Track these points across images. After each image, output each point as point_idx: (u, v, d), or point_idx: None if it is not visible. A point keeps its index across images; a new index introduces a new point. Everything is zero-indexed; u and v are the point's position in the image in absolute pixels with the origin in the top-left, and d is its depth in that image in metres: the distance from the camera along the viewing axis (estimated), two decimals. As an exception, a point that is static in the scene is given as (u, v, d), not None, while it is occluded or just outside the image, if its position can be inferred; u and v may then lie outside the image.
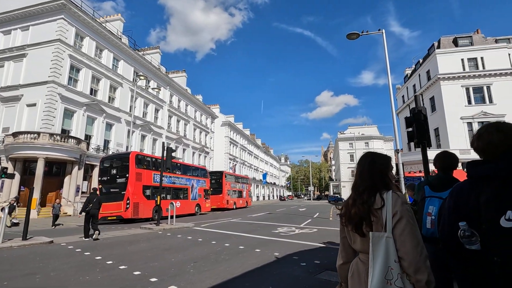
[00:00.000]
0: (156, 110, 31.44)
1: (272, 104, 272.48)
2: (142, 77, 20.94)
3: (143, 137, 28.91)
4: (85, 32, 22.72)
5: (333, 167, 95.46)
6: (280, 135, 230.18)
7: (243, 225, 13.37)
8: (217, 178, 27.97)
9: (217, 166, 43.12)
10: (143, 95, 28.92)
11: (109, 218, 14.83)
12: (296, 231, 11.11)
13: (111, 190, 15.45)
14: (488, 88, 26.35)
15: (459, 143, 25.60)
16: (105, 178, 15.85)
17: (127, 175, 15.08)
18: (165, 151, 12.41)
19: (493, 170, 1.29)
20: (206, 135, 43.68)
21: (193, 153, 38.69)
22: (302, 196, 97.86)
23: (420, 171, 19.89)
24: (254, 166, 67.22)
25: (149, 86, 28.29)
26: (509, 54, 26.76)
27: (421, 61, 33.19)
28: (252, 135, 73.62)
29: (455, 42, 29.04)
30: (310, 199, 66.15)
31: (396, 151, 12.72)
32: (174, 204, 12.34)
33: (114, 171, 15.85)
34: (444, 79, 27.13)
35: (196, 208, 21.30)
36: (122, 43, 26.39)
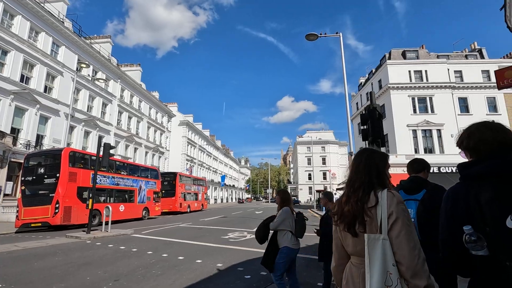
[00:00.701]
0: (104, 105, 28.68)
1: (234, 106, 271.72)
2: (84, 65, 18.68)
3: (87, 133, 26.06)
4: (16, 10, 19.70)
5: (292, 170, 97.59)
6: (241, 137, 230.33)
7: (191, 231, 12.30)
8: (170, 180, 26.28)
9: (173, 167, 40.94)
10: (89, 87, 26.13)
11: (32, 224, 12.67)
12: (247, 236, 10.40)
13: (39, 192, 13.27)
14: (431, 99, 28.61)
15: (405, 148, 27.34)
16: (30, 178, 13.55)
17: (57, 175, 13.04)
18: (101, 148, 10.82)
19: (489, 168, 1.24)
20: (161, 134, 41.28)
21: (146, 153, 36.19)
22: (261, 198, 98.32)
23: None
24: (213, 168, 65.64)
25: (96, 78, 25.63)
26: (448, 69, 29.40)
27: (374, 70, 35.09)
28: (212, 136, 71.97)
29: (404, 55, 31.17)
30: (268, 202, 66.42)
31: (350, 154, 12.73)
32: (110, 209, 10.81)
33: (42, 170, 13.65)
34: (394, 88, 28.85)
35: (144, 212, 19.55)
36: (65, 27, 23.52)
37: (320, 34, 14.43)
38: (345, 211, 1.41)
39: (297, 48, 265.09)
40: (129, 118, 33.02)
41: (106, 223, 11.01)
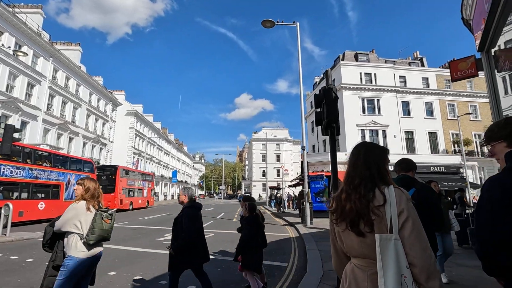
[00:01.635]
0: (30, 85, 24.58)
1: (191, 101, 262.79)
2: None
3: (5, 117, 22.00)
4: None
5: (247, 167, 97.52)
6: (197, 133, 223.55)
7: (123, 232, 10.65)
8: (109, 174, 23.59)
9: (117, 161, 37.28)
10: (9, 62, 22.06)
11: None
12: (187, 237, 9.20)
13: None
14: (378, 101, 30.16)
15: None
16: None
17: None
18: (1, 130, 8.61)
19: None
20: (104, 124, 37.31)
21: (85, 143, 32.28)
22: (215, 195, 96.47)
23: (322, 171, 20.80)
24: (164, 162, 62.12)
25: (17, 50, 21.69)
26: (394, 74, 31.31)
27: (329, 70, 35.94)
28: (164, 129, 68.09)
29: (356, 57, 32.41)
30: (221, 198, 65.15)
31: (302, 148, 12.22)
32: (11, 207, 8.66)
33: None
34: (346, 89, 29.78)
35: (73, 210, 16.96)
36: (-24, -12, 19.38)
37: (277, 22, 13.73)
38: (346, 209, 1.31)
39: (257, 47, 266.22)
40: (64, 103, 28.99)
41: (4, 226, 8.79)
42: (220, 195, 75.88)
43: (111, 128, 39.38)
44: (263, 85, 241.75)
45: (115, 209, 22.49)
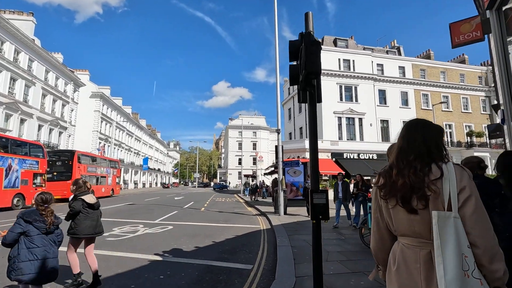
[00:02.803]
0: (-31, 57, 21.26)
1: (166, 88, 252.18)
2: None
3: None
4: None
5: (223, 155, 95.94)
6: (173, 120, 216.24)
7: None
8: (65, 160, 21.23)
9: (80, 146, 34.24)
10: None
11: None
12: (140, 231, 7.82)
13: None
14: (356, 88, 29.71)
15: (331, 135, 27.90)
16: None
17: None
18: None
19: None
20: (64, 105, 33.99)
21: (40, 126, 29.15)
22: (189, 183, 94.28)
23: (298, 157, 19.97)
24: (135, 149, 58.98)
25: None
26: (372, 62, 30.91)
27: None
28: (135, 114, 64.45)
29: (335, 43, 31.58)
30: (195, 187, 63.46)
31: (277, 131, 11.07)
32: None
33: None
34: (324, 75, 28.91)
35: (16, 200, 14.84)
36: None
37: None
38: (398, 184, 1.23)
39: (235, 33, 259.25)
40: (13, 80, 25.68)
41: None
42: (193, 183, 74.05)
43: (72, 110, 36.07)
44: (241, 73, 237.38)
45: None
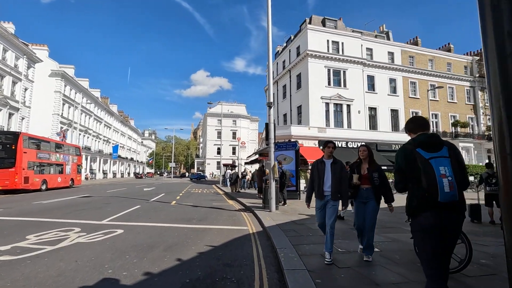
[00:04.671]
0: None
1: (143, 75, 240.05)
2: None
3: None
4: None
5: (201, 145, 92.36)
6: (149, 109, 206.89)
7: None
8: (7, 143, 17.58)
9: (37, 130, 29.80)
10: None
11: None
12: (68, 240, 5.17)
13: None
14: (344, 72, 27.82)
15: (318, 121, 25.95)
16: None
17: None
18: None
19: None
20: (15, 83, 29.37)
21: (-17, 105, 24.72)
22: (165, 173, 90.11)
23: (289, 140, 17.85)
24: (104, 136, 54.30)
25: None
26: (361, 45, 29.11)
27: (292, 37, 32.57)
28: (105, 99, 59.26)
29: (323, 23, 29.37)
30: (170, 177, 59.92)
31: (268, 105, 8.67)
32: None
33: None
34: (312, 56, 26.76)
35: None
36: None
37: None
38: None
39: (214, 21, 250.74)
40: None
41: None
42: (168, 173, 70.36)
43: (26, 89, 31.44)
44: (221, 62, 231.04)
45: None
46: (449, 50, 35.30)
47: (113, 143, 57.63)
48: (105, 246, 4.74)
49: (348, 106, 27.38)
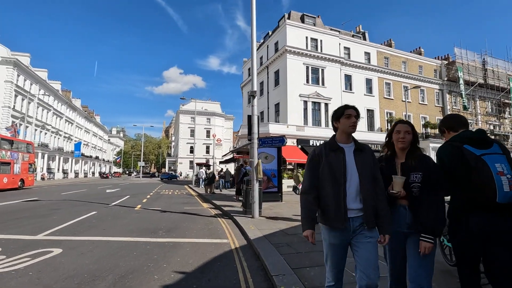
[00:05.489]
0: None
1: (111, 70, 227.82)
2: None
3: None
4: None
5: (173, 143, 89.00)
6: (118, 105, 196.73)
7: None
8: None
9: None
10: None
11: None
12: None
13: None
14: (323, 71, 27.38)
15: (296, 119, 25.24)
16: None
17: None
18: None
19: None
20: (-46, 68, 25.52)
21: None
22: (134, 173, 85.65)
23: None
24: (65, 132, 49.92)
25: None
26: (339, 44, 28.89)
27: (270, 33, 31.65)
28: (66, 92, 54.53)
29: (302, 19, 28.75)
30: (139, 177, 56.62)
31: (251, 95, 7.49)
32: None
33: None
34: (290, 52, 25.98)
35: None
36: None
37: None
38: None
39: (188, 17, 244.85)
40: None
41: None
42: (137, 173, 66.70)
43: (-32, 77, 27.52)
44: (195, 60, 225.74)
45: None
46: (420, 54, 36.40)
47: (75, 140, 53.22)
48: (24, 281, 3.27)
49: (326, 105, 26.97)
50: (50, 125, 44.04)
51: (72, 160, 52.10)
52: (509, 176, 1.81)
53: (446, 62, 35.53)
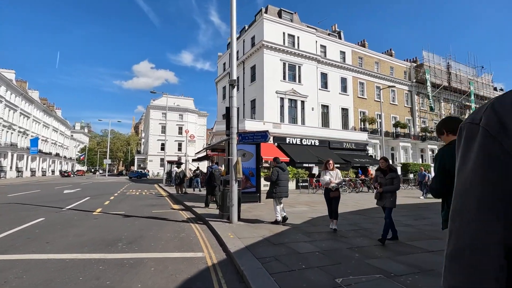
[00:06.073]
0: None
1: (75, 61, 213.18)
2: None
3: None
4: None
5: (143, 140, 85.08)
6: (83, 99, 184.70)
7: None
8: None
9: None
10: None
11: None
12: None
13: None
14: (299, 68, 27.03)
15: (272, 116, 24.66)
16: None
17: None
18: None
19: None
20: None
21: None
22: (100, 171, 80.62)
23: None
24: (20, 127, 45.40)
25: None
26: (316, 42, 28.73)
27: (246, 27, 30.75)
28: (21, 82, 49.60)
29: (280, 14, 28.18)
30: (105, 175, 53.13)
31: (231, 83, 6.60)
32: None
33: None
34: (267, 48, 25.30)
35: None
36: None
37: None
38: None
39: (159, 10, 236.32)
40: None
41: None
42: (102, 171, 62.74)
43: None
44: (167, 55, 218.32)
45: None
46: (391, 55, 37.49)
47: (32, 136, 48.62)
48: None
49: (303, 102, 26.69)
50: (1, 118, 39.70)
51: (28, 157, 47.60)
52: None
53: (415, 64, 36.94)
